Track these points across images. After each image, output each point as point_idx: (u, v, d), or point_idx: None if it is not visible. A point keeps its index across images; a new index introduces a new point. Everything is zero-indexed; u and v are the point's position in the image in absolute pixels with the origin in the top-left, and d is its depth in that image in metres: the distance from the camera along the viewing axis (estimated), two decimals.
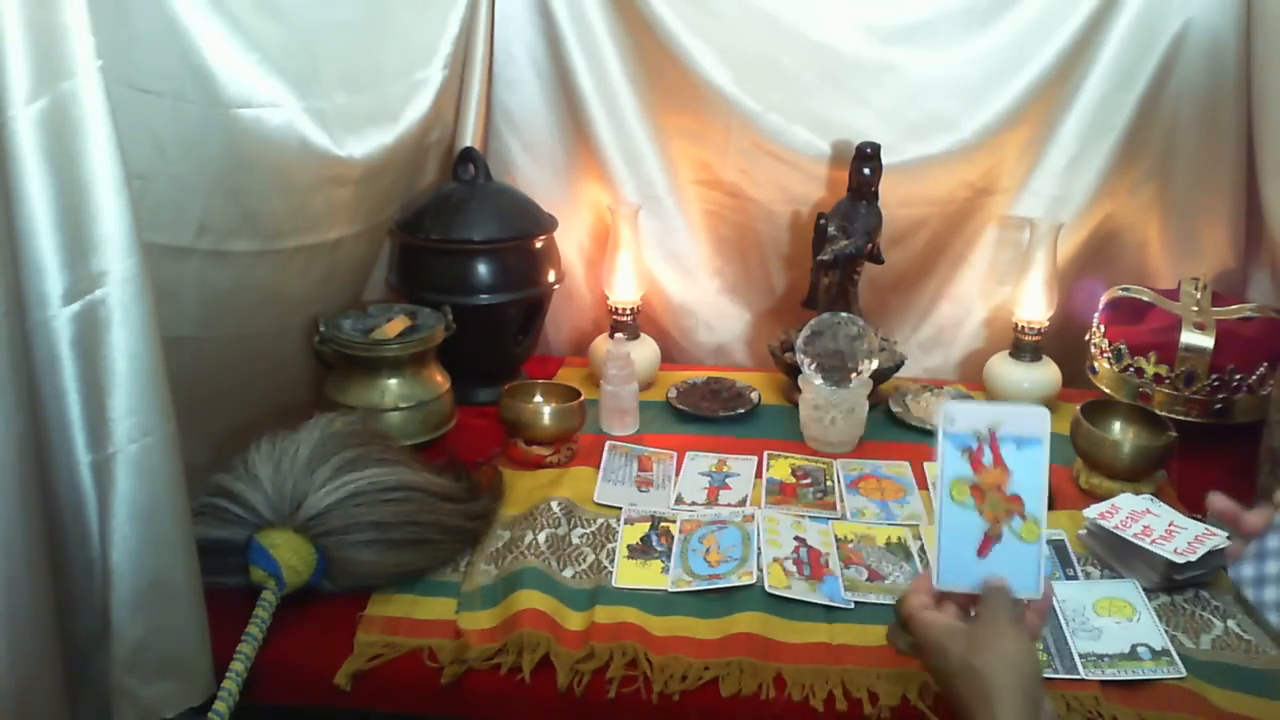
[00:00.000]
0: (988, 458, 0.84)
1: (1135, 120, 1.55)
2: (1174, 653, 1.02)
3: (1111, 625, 1.06)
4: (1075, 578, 1.15)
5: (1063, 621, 1.07)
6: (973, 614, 0.83)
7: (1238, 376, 1.41)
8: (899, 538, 1.22)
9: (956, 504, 0.83)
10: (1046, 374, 1.56)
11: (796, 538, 1.20)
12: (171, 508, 0.89)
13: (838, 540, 1.20)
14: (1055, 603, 1.09)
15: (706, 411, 1.53)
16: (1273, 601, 0.78)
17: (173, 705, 0.93)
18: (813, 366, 1.43)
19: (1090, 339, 1.57)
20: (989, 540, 0.83)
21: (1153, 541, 1.11)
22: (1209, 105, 1.53)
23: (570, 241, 1.72)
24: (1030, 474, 0.85)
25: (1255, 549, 0.79)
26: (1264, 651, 1.04)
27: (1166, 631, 1.05)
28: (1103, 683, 0.99)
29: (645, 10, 1.54)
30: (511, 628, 1.03)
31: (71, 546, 0.88)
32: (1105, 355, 1.52)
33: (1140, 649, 1.03)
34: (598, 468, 1.36)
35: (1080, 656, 1.02)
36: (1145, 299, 1.51)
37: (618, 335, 1.57)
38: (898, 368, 1.55)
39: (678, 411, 1.53)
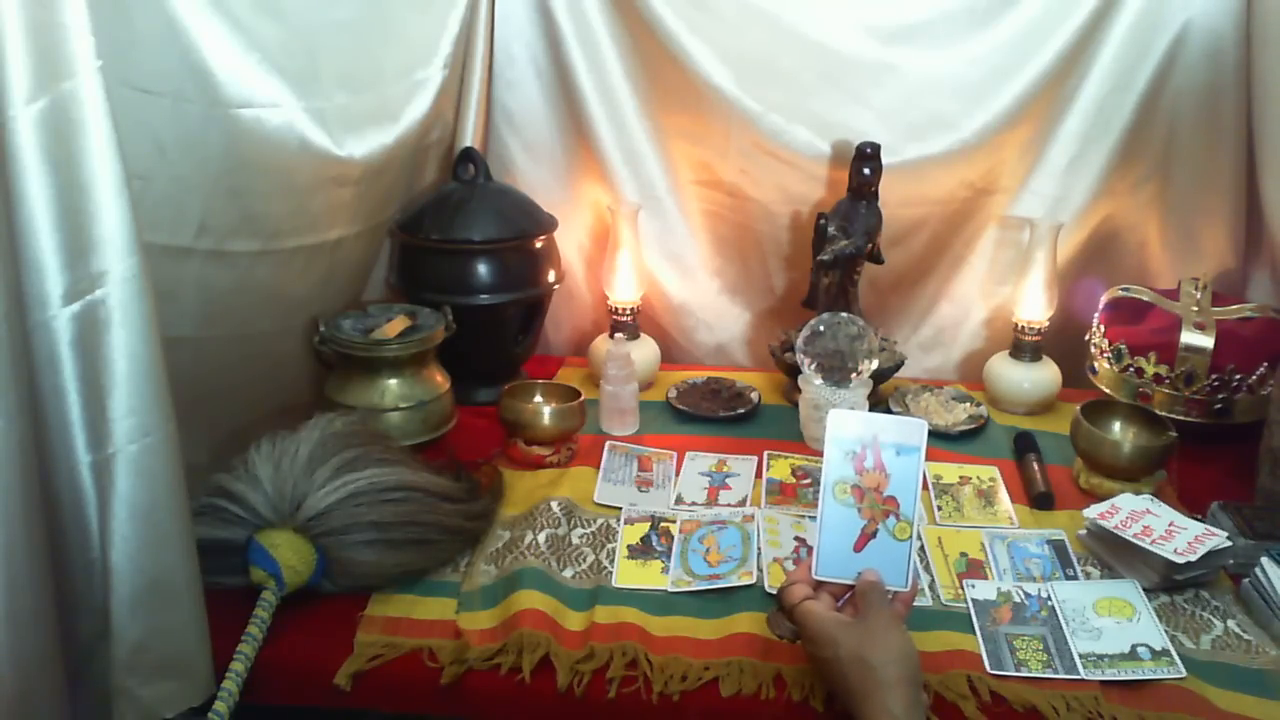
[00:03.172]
0: (869, 461, 0.94)
1: (1135, 120, 1.55)
2: (1174, 653, 1.02)
3: (1111, 625, 1.06)
4: (1075, 578, 1.15)
5: (1063, 622, 1.06)
6: (841, 602, 0.92)
7: (1238, 376, 1.41)
8: None
9: (838, 502, 0.93)
10: (1046, 374, 1.56)
11: (796, 538, 1.20)
12: (171, 508, 0.89)
13: None
14: (1056, 603, 1.09)
15: (706, 411, 1.53)
16: None
17: (173, 705, 0.93)
18: (813, 366, 1.43)
19: (1090, 339, 1.57)
20: (865, 537, 0.92)
21: (1153, 541, 1.11)
22: (1209, 105, 1.53)
23: (570, 241, 1.72)
24: (906, 479, 0.94)
25: None
26: (1264, 651, 1.04)
27: (1166, 631, 1.05)
28: (1103, 683, 0.99)
29: (645, 10, 1.54)
30: (511, 628, 1.03)
31: (71, 546, 0.88)
32: (1105, 355, 1.52)
33: (1140, 649, 1.03)
34: (598, 468, 1.36)
35: (1080, 656, 1.01)
36: (1145, 299, 1.51)
37: (618, 335, 1.57)
38: (898, 368, 1.55)
39: (678, 411, 1.53)
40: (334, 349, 1.37)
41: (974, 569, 1.17)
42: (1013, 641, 1.04)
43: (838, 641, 0.87)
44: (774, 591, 1.10)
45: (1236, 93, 1.50)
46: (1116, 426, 1.36)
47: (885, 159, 1.50)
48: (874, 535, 0.92)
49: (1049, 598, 1.10)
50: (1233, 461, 1.39)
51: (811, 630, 0.89)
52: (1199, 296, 1.49)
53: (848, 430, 0.94)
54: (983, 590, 1.11)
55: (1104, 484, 1.30)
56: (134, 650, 0.89)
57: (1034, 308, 1.54)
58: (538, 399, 1.43)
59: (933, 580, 1.14)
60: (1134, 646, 1.03)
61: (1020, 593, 1.11)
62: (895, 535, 0.93)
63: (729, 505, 1.29)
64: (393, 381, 1.37)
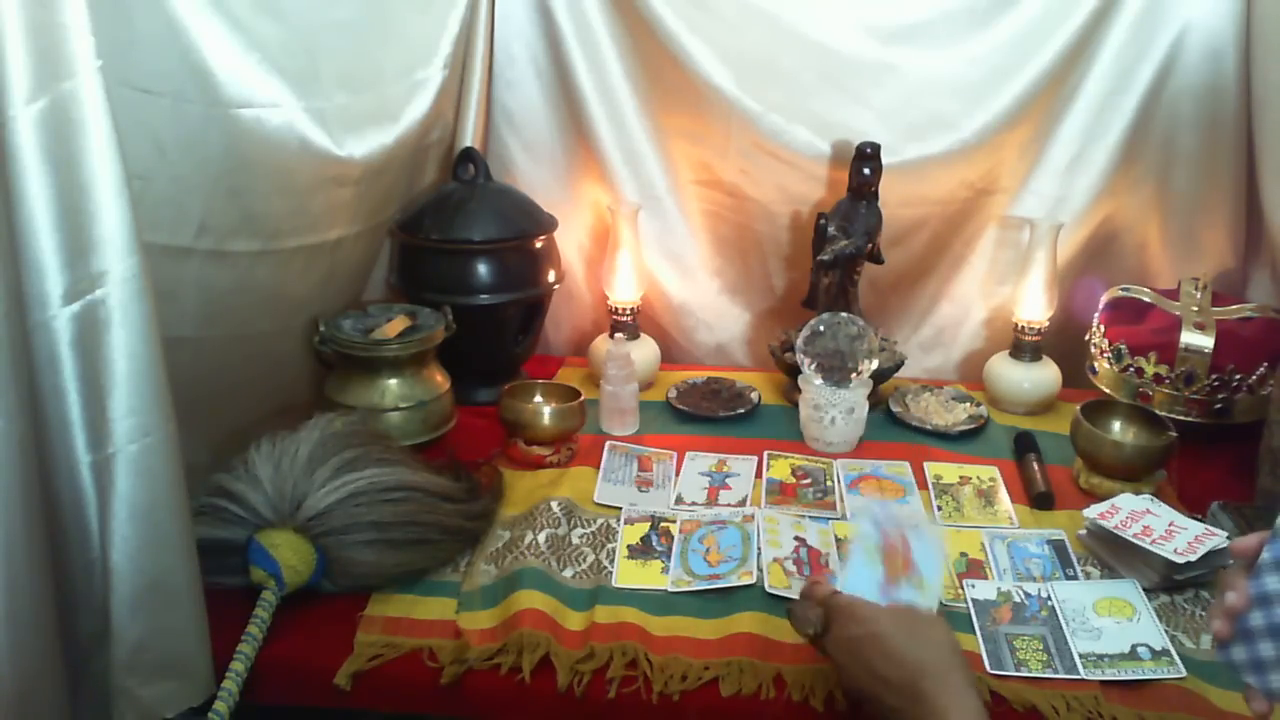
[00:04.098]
0: (895, 537, 0.97)
1: (1135, 120, 1.55)
2: (1174, 653, 1.02)
3: (1111, 625, 1.06)
4: (1075, 578, 1.15)
5: (1063, 622, 1.06)
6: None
7: (1238, 376, 1.41)
8: None
9: (865, 560, 0.96)
10: (1046, 374, 1.56)
11: (796, 538, 1.20)
12: (171, 508, 0.89)
13: (838, 540, 1.20)
14: (1056, 603, 1.09)
15: (706, 411, 1.53)
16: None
17: (173, 705, 0.93)
18: (813, 366, 1.43)
19: (1090, 339, 1.57)
20: (889, 584, 0.94)
21: (1153, 541, 1.11)
22: (1209, 105, 1.52)
23: (570, 241, 1.72)
24: (930, 561, 0.96)
25: (1242, 627, 0.73)
26: None
27: (1166, 631, 1.05)
28: (1103, 682, 0.99)
29: (645, 10, 1.54)
30: (511, 628, 1.03)
31: (71, 546, 0.88)
32: (1105, 355, 1.52)
33: (1140, 649, 1.03)
34: (598, 468, 1.36)
35: (1080, 656, 1.01)
36: (1145, 299, 1.51)
37: (618, 335, 1.57)
38: (898, 368, 1.55)
39: (678, 411, 1.53)
40: (334, 349, 1.37)
41: (974, 569, 1.17)
42: (1013, 641, 1.04)
43: (878, 618, 0.85)
44: (774, 592, 1.10)
45: (1236, 93, 1.50)
46: (1116, 426, 1.36)
47: (885, 159, 1.50)
48: (897, 586, 0.94)
49: (1049, 597, 1.10)
50: (1233, 461, 1.39)
51: (849, 607, 0.87)
52: (1199, 296, 1.49)
53: (880, 516, 0.99)
54: (982, 590, 1.11)
55: (1104, 484, 1.30)
56: (134, 650, 0.89)
57: (1034, 308, 1.54)
58: (538, 399, 1.43)
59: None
60: (1134, 646, 1.03)
61: (1020, 593, 1.11)
62: (918, 589, 0.94)
63: (729, 505, 1.29)
64: (393, 381, 1.37)
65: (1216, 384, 1.42)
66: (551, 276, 1.57)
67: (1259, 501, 1.29)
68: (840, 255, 1.50)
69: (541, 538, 1.18)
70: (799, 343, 1.45)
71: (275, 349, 1.33)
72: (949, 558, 1.03)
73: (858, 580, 0.93)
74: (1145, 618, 1.07)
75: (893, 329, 1.72)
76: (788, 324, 1.62)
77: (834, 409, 1.41)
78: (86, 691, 0.91)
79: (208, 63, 1.05)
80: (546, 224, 1.56)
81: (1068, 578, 1.15)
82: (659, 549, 1.18)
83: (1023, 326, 1.56)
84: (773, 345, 1.60)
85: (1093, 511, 1.18)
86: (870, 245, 1.53)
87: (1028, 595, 1.11)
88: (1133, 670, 1.00)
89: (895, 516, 0.98)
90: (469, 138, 1.59)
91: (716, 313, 1.76)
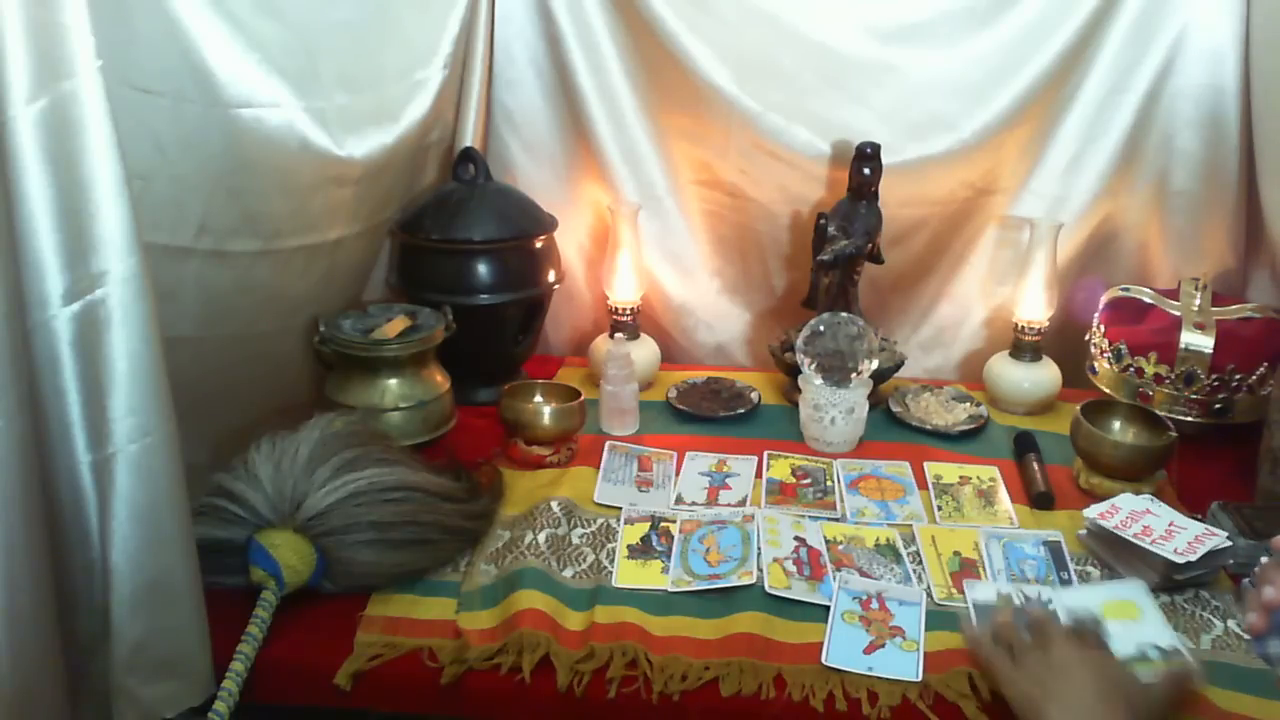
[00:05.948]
0: (874, 605, 1.08)
1: (1135, 120, 1.55)
2: (1183, 648, 1.00)
3: (1119, 628, 1.03)
4: (1070, 581, 1.14)
5: None
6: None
7: (1238, 376, 1.41)
8: (888, 539, 1.21)
9: (846, 624, 1.05)
10: (1046, 374, 1.56)
11: (796, 538, 1.20)
12: (171, 508, 0.89)
13: (827, 542, 1.20)
14: (1062, 610, 1.05)
15: (706, 411, 1.53)
16: None
17: (173, 705, 0.93)
18: (813, 366, 1.43)
19: (1090, 339, 1.57)
20: (874, 646, 1.02)
21: (1153, 541, 1.11)
22: (1209, 105, 1.52)
23: (570, 241, 1.72)
24: (911, 621, 1.05)
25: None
26: None
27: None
28: None
29: (645, 10, 1.54)
30: (511, 628, 1.03)
31: (71, 546, 0.88)
32: (1105, 355, 1.52)
33: (1148, 649, 1.01)
34: (598, 468, 1.36)
35: None
36: (1145, 299, 1.51)
37: (618, 335, 1.57)
38: (898, 368, 1.55)
39: (678, 411, 1.53)
40: (334, 349, 1.36)
41: (968, 568, 1.16)
42: None
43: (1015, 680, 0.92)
44: (774, 592, 1.10)
45: (1236, 93, 1.50)
46: (1116, 426, 1.36)
47: (885, 159, 1.50)
48: (882, 646, 1.02)
49: (1050, 602, 1.08)
50: (1233, 461, 1.39)
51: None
52: (1199, 296, 1.49)
53: (855, 586, 1.10)
54: (982, 592, 1.11)
55: (1104, 484, 1.30)
56: (134, 650, 0.89)
57: (1034, 308, 1.54)
58: (538, 399, 1.43)
59: (927, 584, 1.14)
60: (1140, 648, 1.01)
61: (1020, 595, 1.09)
62: (903, 649, 1.02)
63: (729, 505, 1.29)
64: (393, 381, 1.37)
65: (1216, 384, 1.42)
66: (551, 276, 1.57)
67: (1259, 501, 1.29)
68: (840, 255, 1.50)
69: (541, 538, 1.18)
70: (799, 343, 1.45)
71: (275, 349, 1.33)
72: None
73: (841, 647, 1.02)
74: (1150, 615, 1.06)
75: (893, 329, 1.72)
76: (788, 324, 1.62)
77: (834, 409, 1.41)
78: (86, 691, 0.91)
79: (208, 63, 1.05)
80: (546, 224, 1.56)
81: (1062, 581, 1.14)
82: (659, 549, 1.18)
83: (1023, 326, 1.56)
84: (773, 345, 1.60)
85: (1093, 511, 1.18)
86: (870, 245, 1.53)
87: (1028, 600, 1.08)
88: (1144, 673, 0.97)
89: (870, 586, 1.09)
90: (469, 138, 1.59)
91: (716, 313, 1.76)
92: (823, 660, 1.00)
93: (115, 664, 0.89)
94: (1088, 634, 0.95)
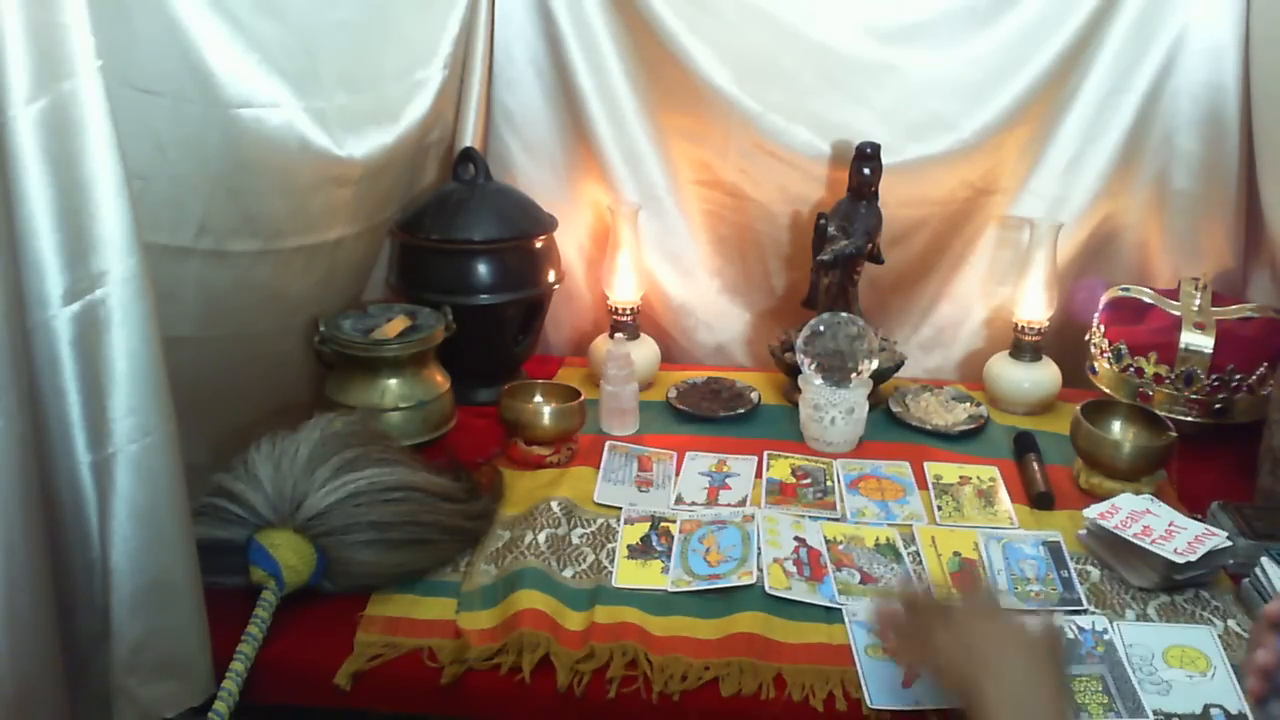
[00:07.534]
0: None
1: (1135, 120, 1.55)
2: (1249, 715, 0.92)
3: (1183, 679, 0.98)
4: (1069, 580, 1.14)
5: (1129, 670, 0.99)
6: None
7: (1238, 376, 1.41)
8: (888, 538, 1.22)
9: (873, 659, 1.00)
10: (1046, 374, 1.56)
11: (796, 538, 1.20)
12: (171, 508, 0.89)
13: (827, 542, 1.20)
14: (1121, 647, 1.03)
15: (706, 411, 1.53)
16: None
17: (173, 705, 0.93)
18: (813, 366, 1.43)
19: (1090, 339, 1.57)
20: (911, 677, 0.97)
21: (1153, 541, 1.11)
22: (1209, 105, 1.52)
23: (570, 241, 1.72)
24: None
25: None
26: None
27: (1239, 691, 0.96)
28: None
29: (645, 10, 1.54)
30: (511, 628, 1.03)
31: (71, 546, 0.88)
32: (1105, 355, 1.52)
33: (1214, 711, 0.94)
34: (598, 468, 1.36)
35: (1151, 712, 0.94)
36: (1145, 299, 1.51)
37: (618, 335, 1.57)
38: (898, 368, 1.55)
39: (678, 411, 1.53)
40: (334, 349, 1.36)
41: (968, 568, 1.16)
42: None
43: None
44: (774, 592, 1.10)
45: (1236, 93, 1.50)
46: (1116, 426, 1.36)
47: (885, 159, 1.50)
48: (919, 676, 0.97)
49: (1104, 631, 1.04)
50: (1233, 461, 1.39)
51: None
52: (1199, 296, 1.49)
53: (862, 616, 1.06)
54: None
55: (1104, 484, 1.30)
56: (134, 650, 0.89)
57: (1034, 308, 1.54)
58: (538, 399, 1.43)
59: (927, 584, 1.14)
60: (1207, 708, 0.95)
61: (1073, 628, 1.05)
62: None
63: (729, 505, 1.29)
64: (393, 381, 1.37)
65: (1216, 384, 1.42)
66: (551, 276, 1.57)
67: (1259, 501, 1.29)
68: (840, 255, 1.50)
69: (541, 538, 1.18)
70: (799, 343, 1.45)
71: (275, 349, 1.33)
72: None
73: (879, 684, 0.98)
74: (1220, 672, 0.99)
75: (893, 329, 1.72)
76: (788, 324, 1.62)
77: (834, 409, 1.41)
78: (86, 691, 0.91)
79: (208, 63, 1.05)
80: (546, 224, 1.56)
81: (1062, 580, 1.14)
82: (659, 549, 1.18)
83: (1023, 326, 1.56)
84: (773, 345, 1.60)
85: (1093, 511, 1.18)
86: (870, 245, 1.53)
87: (1080, 630, 1.05)
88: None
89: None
90: (469, 138, 1.59)
91: (716, 313, 1.76)
92: (868, 705, 0.95)
93: (115, 664, 0.89)
94: (984, 600, 0.91)
